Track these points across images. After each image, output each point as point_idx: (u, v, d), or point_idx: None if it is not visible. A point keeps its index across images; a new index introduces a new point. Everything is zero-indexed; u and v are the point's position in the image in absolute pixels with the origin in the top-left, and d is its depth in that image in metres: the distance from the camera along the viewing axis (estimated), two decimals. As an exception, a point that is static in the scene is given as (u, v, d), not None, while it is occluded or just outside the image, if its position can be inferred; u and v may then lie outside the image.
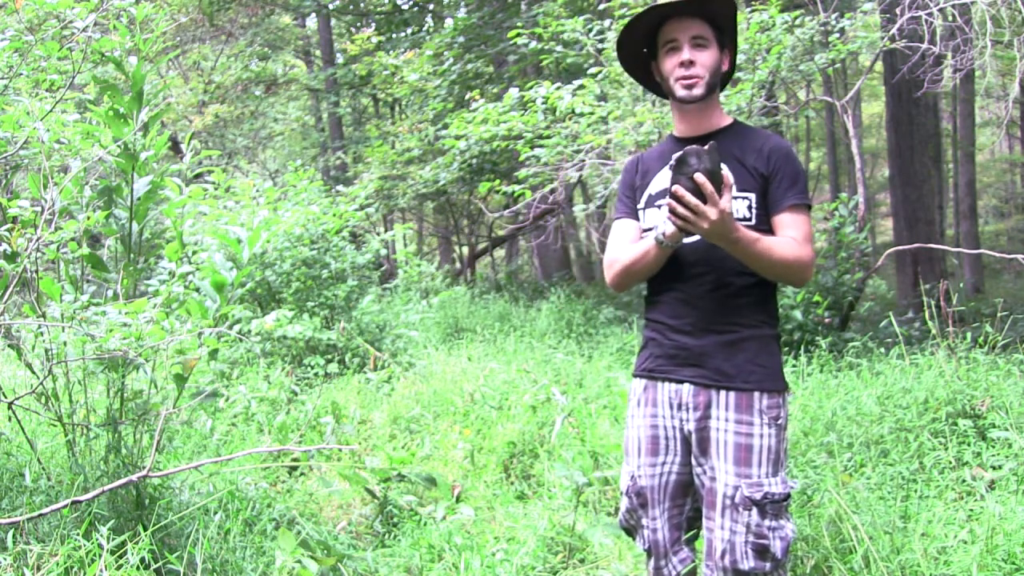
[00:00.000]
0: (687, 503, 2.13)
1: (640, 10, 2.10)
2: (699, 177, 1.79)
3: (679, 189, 1.81)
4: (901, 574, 2.32)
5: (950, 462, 3.02)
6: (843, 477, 2.97)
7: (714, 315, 2.02)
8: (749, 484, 1.94)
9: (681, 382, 2.05)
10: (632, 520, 2.15)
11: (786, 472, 2.03)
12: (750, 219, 2.00)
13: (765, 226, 2.01)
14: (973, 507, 2.69)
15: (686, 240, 2.02)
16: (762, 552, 1.94)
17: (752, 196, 2.02)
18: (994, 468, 2.94)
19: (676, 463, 2.09)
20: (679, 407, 2.06)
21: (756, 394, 1.98)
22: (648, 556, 2.16)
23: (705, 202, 1.81)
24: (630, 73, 2.27)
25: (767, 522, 1.94)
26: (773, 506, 1.94)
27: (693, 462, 2.07)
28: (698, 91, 2.03)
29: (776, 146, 2.05)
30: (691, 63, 2.02)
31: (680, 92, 2.04)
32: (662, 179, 2.10)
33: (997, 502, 2.56)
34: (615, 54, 5.94)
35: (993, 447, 3.05)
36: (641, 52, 2.16)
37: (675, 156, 1.83)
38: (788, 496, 1.97)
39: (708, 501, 2.02)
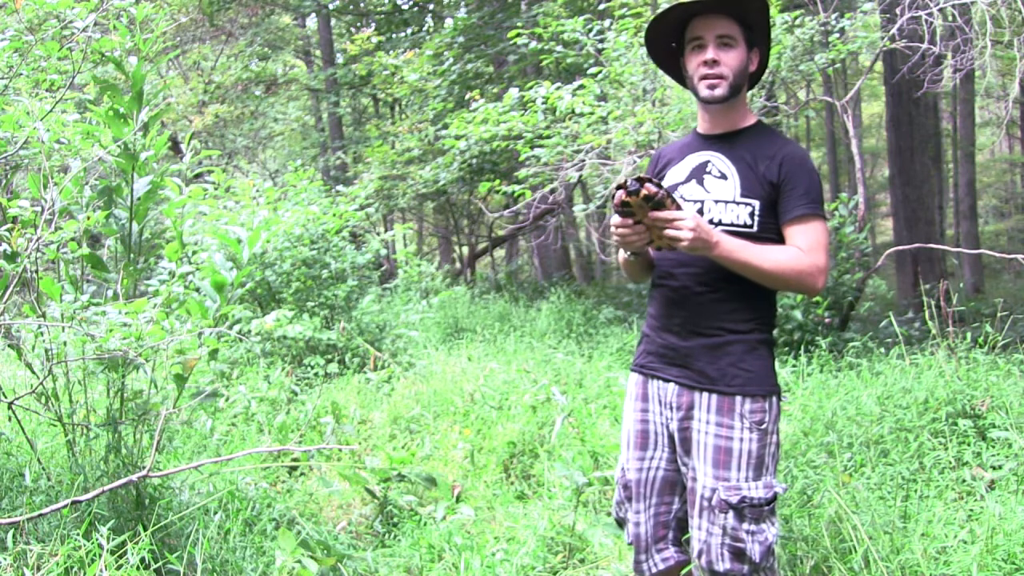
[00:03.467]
0: (675, 501, 2.12)
1: (667, 4, 2.07)
2: (650, 187, 1.79)
3: (657, 214, 1.82)
4: (901, 574, 2.32)
5: (950, 462, 3.02)
6: (843, 477, 2.97)
7: (701, 317, 2.01)
8: (727, 487, 1.94)
9: (668, 381, 2.06)
10: (621, 512, 2.18)
11: (774, 476, 2.00)
12: (751, 226, 1.96)
13: (769, 235, 1.97)
14: (973, 507, 2.69)
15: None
16: (738, 555, 1.94)
17: (756, 203, 1.97)
18: (994, 468, 2.94)
19: (663, 459, 2.10)
20: (666, 405, 2.08)
21: (738, 398, 1.96)
22: (631, 549, 2.17)
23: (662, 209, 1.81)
24: (659, 66, 2.23)
25: (745, 526, 1.93)
26: (752, 510, 1.93)
27: (679, 461, 2.08)
28: (720, 91, 1.99)
29: (790, 155, 1.98)
30: (715, 62, 1.97)
31: (703, 92, 2.01)
32: (678, 171, 2.10)
33: (997, 502, 2.56)
34: (615, 53, 5.98)
35: (993, 447, 3.05)
36: (669, 46, 2.12)
37: (616, 198, 1.84)
38: (771, 501, 1.95)
39: (690, 501, 2.03)
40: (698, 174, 2.05)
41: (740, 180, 1.99)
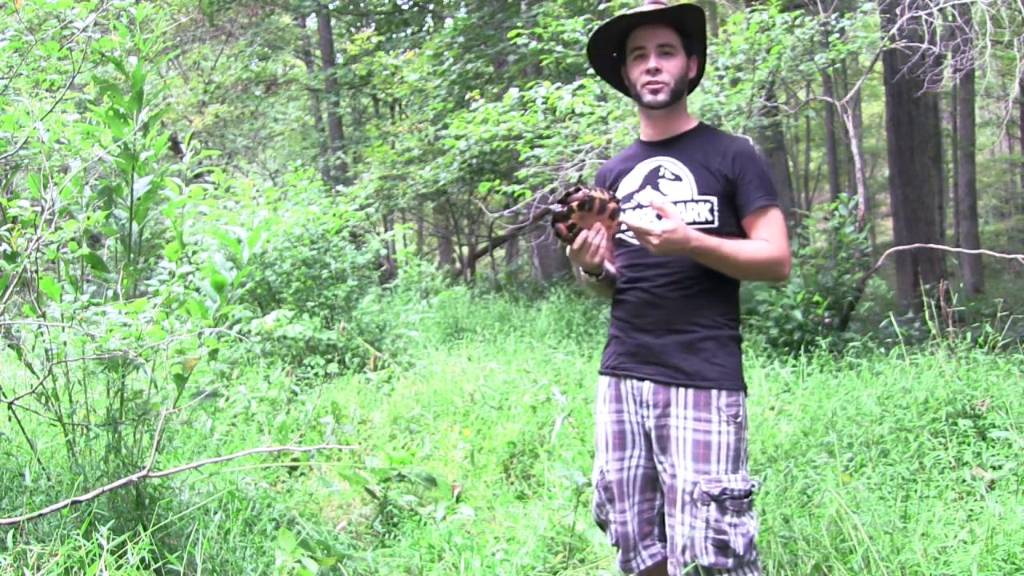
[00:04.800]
0: (656, 498, 2.15)
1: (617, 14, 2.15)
2: (577, 196, 1.88)
3: (628, 221, 1.92)
4: (901, 574, 2.32)
5: (950, 462, 3.02)
6: (843, 477, 2.97)
7: (674, 315, 2.05)
8: (708, 480, 1.97)
9: (642, 379, 2.09)
10: (603, 515, 2.19)
11: (748, 471, 2.04)
12: (712, 222, 2.03)
13: (730, 228, 2.04)
14: (973, 507, 2.69)
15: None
16: (722, 548, 1.96)
17: (714, 199, 2.04)
18: (994, 468, 2.94)
19: (642, 457, 2.13)
20: (641, 404, 2.10)
21: (714, 392, 2.00)
22: (617, 549, 2.19)
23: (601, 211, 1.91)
24: (601, 75, 2.32)
25: (727, 518, 1.96)
26: (733, 502, 1.96)
27: (655, 459, 2.10)
28: (663, 97, 2.08)
29: (740, 149, 2.08)
30: (657, 70, 2.07)
31: (646, 98, 2.09)
32: (630, 181, 2.16)
33: (997, 502, 2.56)
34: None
35: (993, 447, 3.05)
36: (610, 56, 2.22)
37: (552, 218, 1.94)
38: (750, 493, 1.99)
39: (669, 498, 2.05)
40: (651, 179, 2.12)
41: (695, 179, 2.06)
